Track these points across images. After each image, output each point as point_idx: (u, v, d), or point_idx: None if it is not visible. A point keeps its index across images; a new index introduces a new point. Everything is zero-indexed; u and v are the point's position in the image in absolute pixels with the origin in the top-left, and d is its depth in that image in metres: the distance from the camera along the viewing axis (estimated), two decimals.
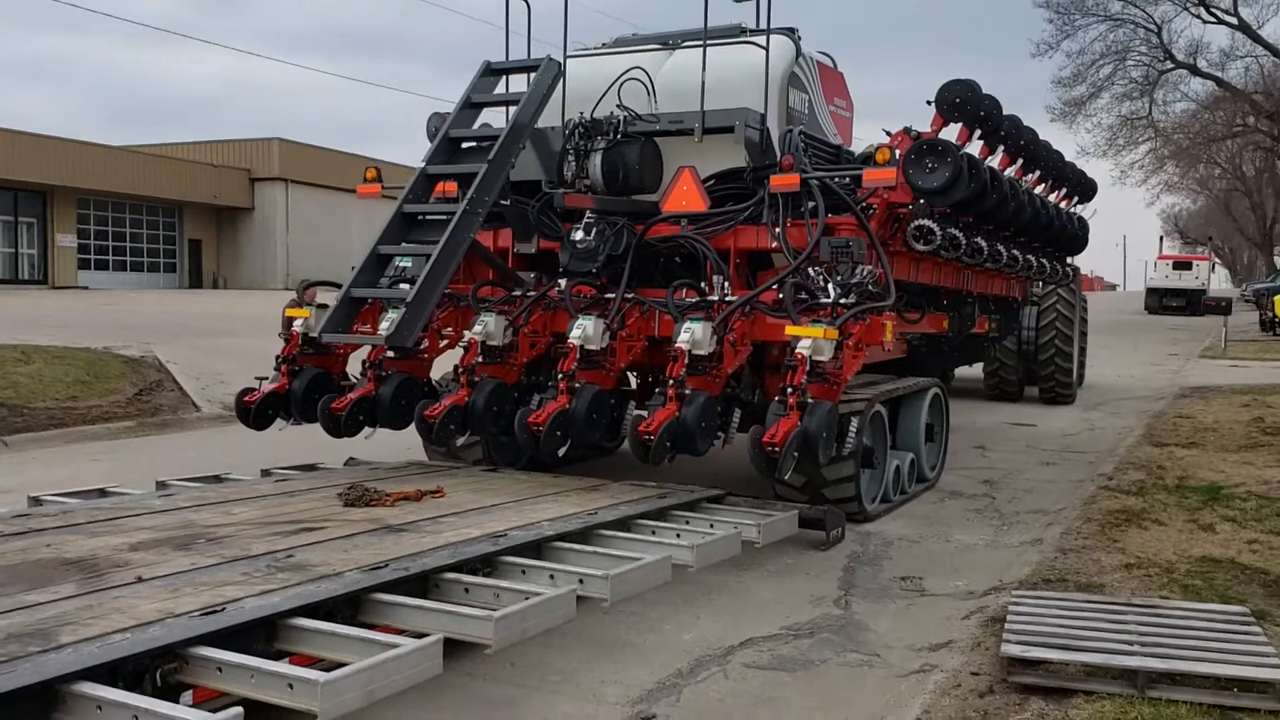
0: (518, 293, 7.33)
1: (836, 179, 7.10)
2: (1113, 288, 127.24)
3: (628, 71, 7.64)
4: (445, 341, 7.43)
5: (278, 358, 7.36)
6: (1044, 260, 10.47)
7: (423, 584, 4.81)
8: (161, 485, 7.12)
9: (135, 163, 44.03)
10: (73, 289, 40.11)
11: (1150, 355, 26.64)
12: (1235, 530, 7.24)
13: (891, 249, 7.63)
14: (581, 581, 5.00)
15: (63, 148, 40.72)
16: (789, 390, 6.04)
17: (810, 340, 6.06)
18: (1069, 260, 12.27)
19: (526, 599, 4.52)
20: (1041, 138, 9.47)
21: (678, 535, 6.14)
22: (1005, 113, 8.41)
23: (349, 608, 4.44)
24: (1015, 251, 9.30)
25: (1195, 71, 38.50)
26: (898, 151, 7.22)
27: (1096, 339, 32.51)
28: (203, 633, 3.78)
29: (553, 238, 7.41)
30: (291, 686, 3.53)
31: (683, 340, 6.31)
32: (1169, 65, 38.56)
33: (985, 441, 12.08)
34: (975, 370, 16.02)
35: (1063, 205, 11.09)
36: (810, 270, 6.66)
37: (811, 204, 6.95)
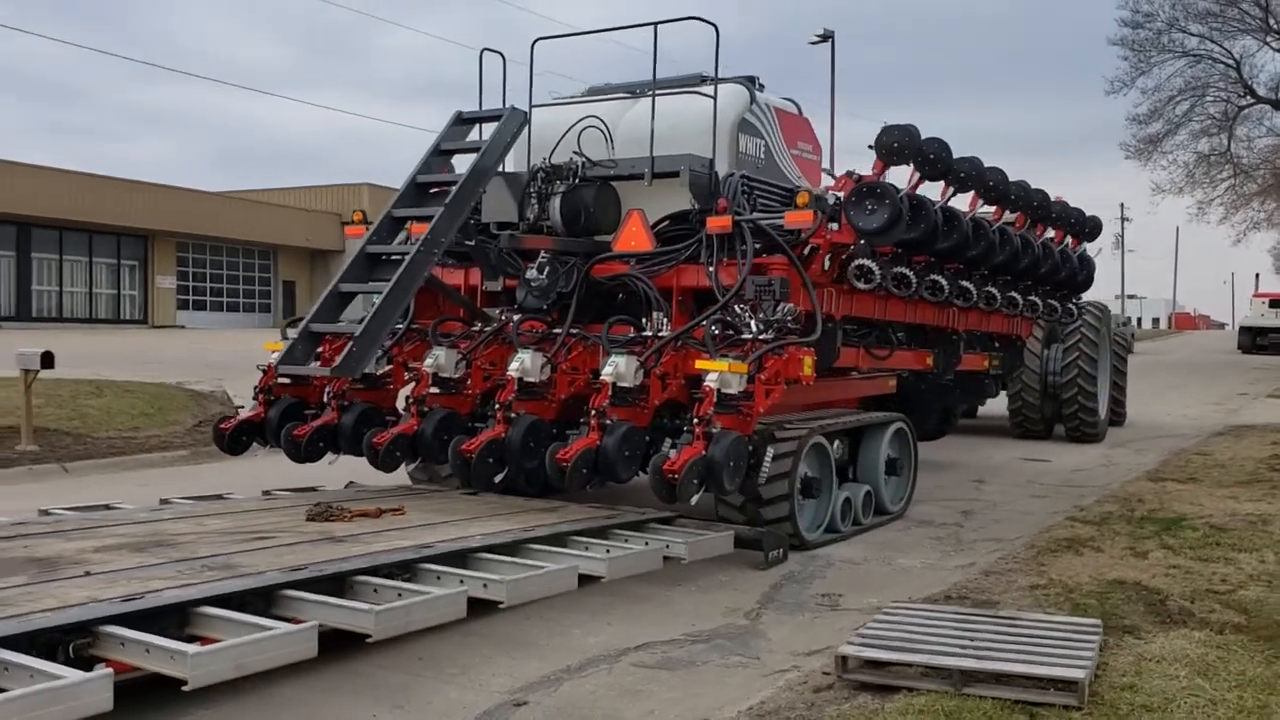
0: (477, 328, 7.97)
1: (769, 221, 7.59)
2: (1221, 326, 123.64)
3: (583, 120, 8.27)
4: (411, 373, 8.08)
5: (255, 388, 8.09)
6: (1035, 298, 10.75)
7: (339, 584, 5.43)
8: (164, 502, 7.89)
9: (233, 208, 46.18)
10: (171, 328, 42.06)
11: (1218, 395, 26.23)
12: (1165, 556, 7.50)
13: (845, 288, 8.10)
14: (485, 586, 5.58)
15: (163, 194, 42.95)
16: (695, 420, 6.54)
17: (717, 374, 6.57)
18: (1078, 298, 12.49)
19: (414, 596, 5.11)
20: (1017, 179, 9.81)
21: (607, 550, 6.66)
22: (972, 157, 8.81)
23: (262, 601, 5.08)
24: (992, 290, 9.64)
25: (1277, 106, 37.80)
26: (842, 194, 7.71)
27: (1169, 378, 32.32)
28: (111, 614, 4.45)
29: (514, 276, 8.03)
30: (172, 658, 4.17)
31: (607, 373, 6.87)
32: (1249, 100, 37.96)
33: (987, 475, 12.34)
34: (1003, 408, 16.21)
35: (1067, 245, 11.36)
36: (737, 307, 7.16)
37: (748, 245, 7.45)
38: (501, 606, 5.61)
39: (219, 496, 8.14)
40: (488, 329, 7.85)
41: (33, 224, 39.64)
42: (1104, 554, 7.65)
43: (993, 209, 10.23)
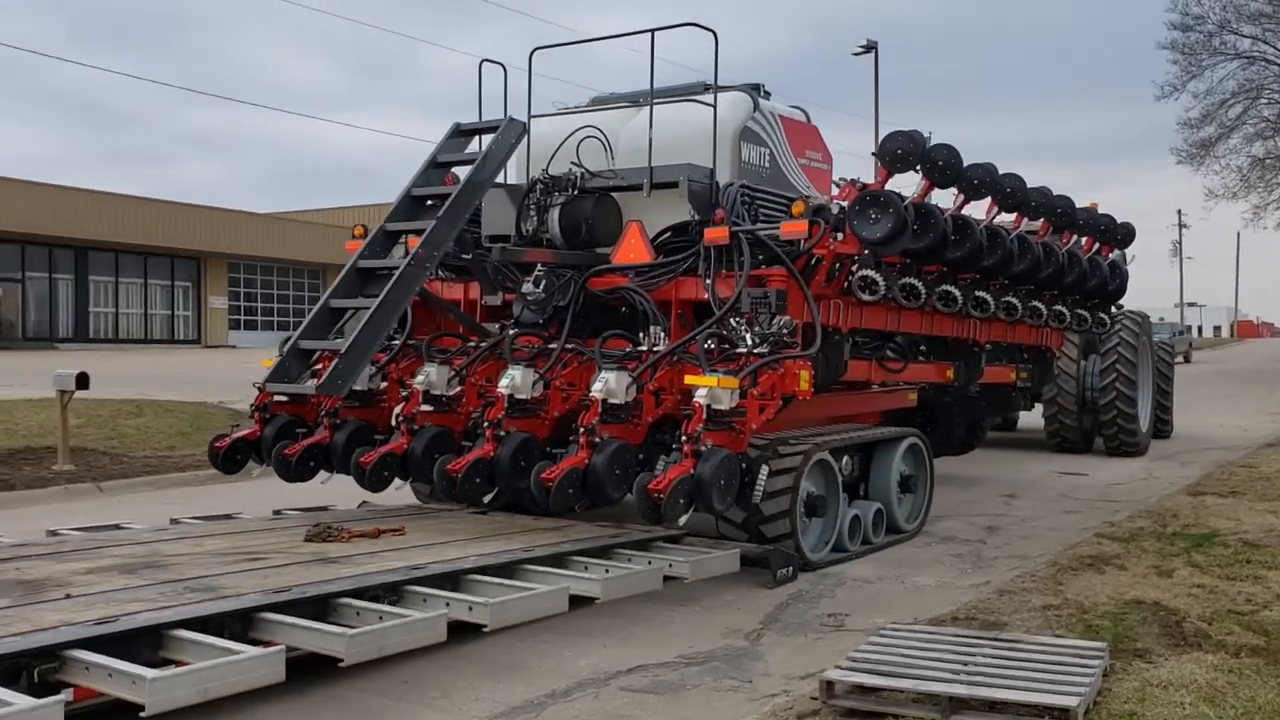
0: (473, 343, 7.89)
1: (768, 232, 7.43)
2: None
3: (581, 130, 8.17)
4: (408, 391, 7.99)
5: (252, 405, 8.08)
6: (1062, 308, 10.48)
7: (323, 607, 5.36)
8: (174, 522, 7.90)
9: (282, 228, 46.82)
10: (223, 348, 42.66)
11: (1276, 406, 25.58)
12: (1191, 575, 7.24)
13: (853, 300, 7.93)
14: (471, 609, 5.48)
15: (215, 216, 43.69)
16: (683, 438, 6.40)
17: (706, 389, 6.42)
18: (1115, 307, 12.18)
19: (389, 620, 5.03)
20: (1040, 185, 9.57)
21: (606, 570, 6.54)
22: (986, 163, 8.61)
23: (240, 624, 5.02)
24: (1013, 300, 9.40)
25: None
26: (845, 203, 7.55)
27: (1226, 387, 31.63)
28: (79, 638, 4.41)
29: (513, 290, 7.94)
30: (133, 683, 4.12)
31: (597, 389, 6.73)
32: None
33: (1019, 490, 12.06)
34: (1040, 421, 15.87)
35: (1097, 253, 11.08)
36: (733, 320, 7.02)
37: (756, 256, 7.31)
38: (486, 630, 5.51)
39: (228, 516, 8.14)
40: (483, 344, 7.76)
41: (90, 247, 40.45)
42: (1127, 572, 7.40)
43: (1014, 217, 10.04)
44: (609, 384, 6.70)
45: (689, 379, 6.63)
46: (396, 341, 8.13)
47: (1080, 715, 4.36)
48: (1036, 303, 9.90)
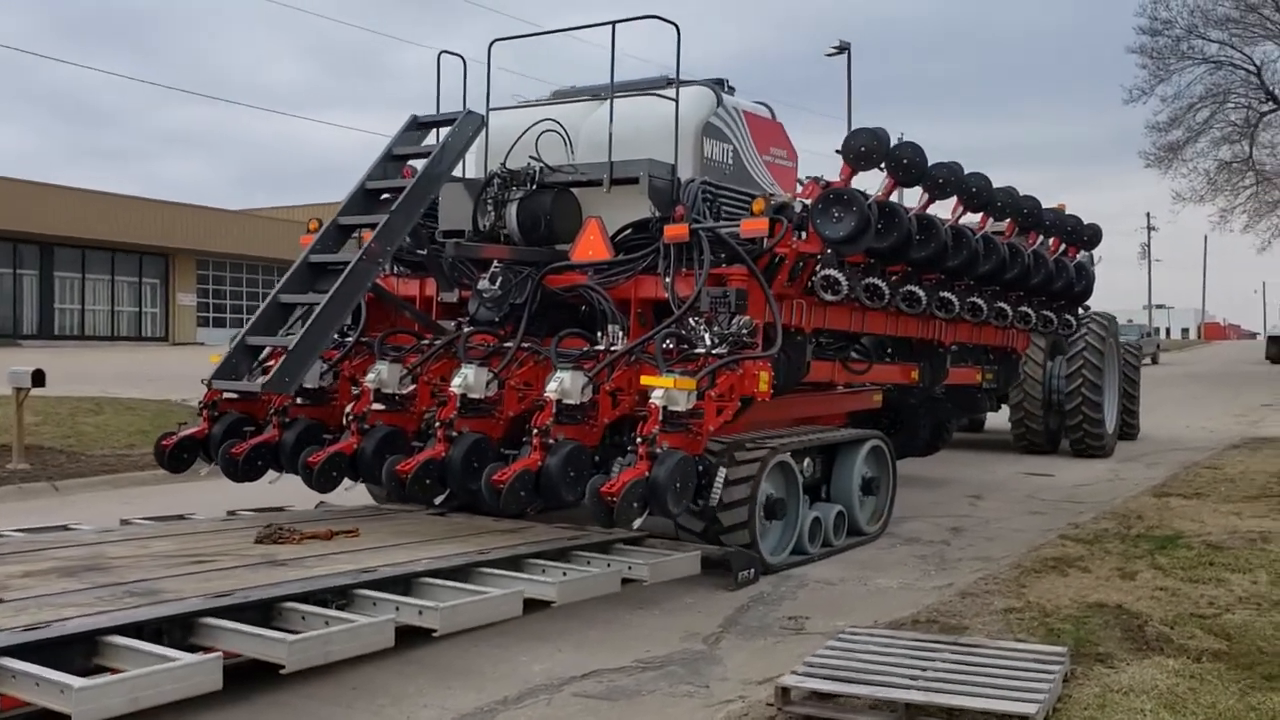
0: (426, 341, 7.74)
1: (729, 230, 7.32)
2: (1253, 336, 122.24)
3: (539, 123, 8.03)
4: (359, 389, 7.82)
5: (200, 403, 7.90)
6: (1028, 309, 10.43)
7: (267, 611, 5.21)
8: (125, 522, 7.72)
9: (253, 225, 46.38)
10: (191, 345, 42.22)
11: (1242, 407, 25.68)
12: (1154, 577, 7.19)
13: (815, 300, 7.83)
14: (420, 613, 5.35)
15: (183, 212, 43.24)
16: (639, 440, 6.27)
17: (663, 390, 6.29)
18: (1079, 309, 12.15)
19: (341, 624, 4.89)
20: (1004, 185, 9.52)
21: (564, 573, 6.42)
22: (951, 162, 8.55)
23: (180, 630, 4.87)
24: (978, 300, 9.33)
25: None
26: (807, 201, 7.45)
27: (1193, 389, 31.81)
28: (7, 645, 4.25)
29: (470, 286, 7.79)
30: (61, 692, 3.96)
31: (551, 389, 6.59)
32: (1271, 106, 37.36)
33: (985, 491, 12.02)
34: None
35: (1064, 254, 11.04)
36: (691, 320, 6.91)
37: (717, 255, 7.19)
38: (436, 635, 5.38)
39: (180, 517, 7.96)
40: (438, 342, 7.60)
41: (56, 243, 39.90)
42: (1090, 574, 7.34)
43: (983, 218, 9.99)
44: (564, 384, 6.56)
45: (645, 379, 6.51)
46: (350, 339, 7.97)
47: None
48: (1002, 304, 9.85)
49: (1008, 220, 9.82)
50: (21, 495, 11.67)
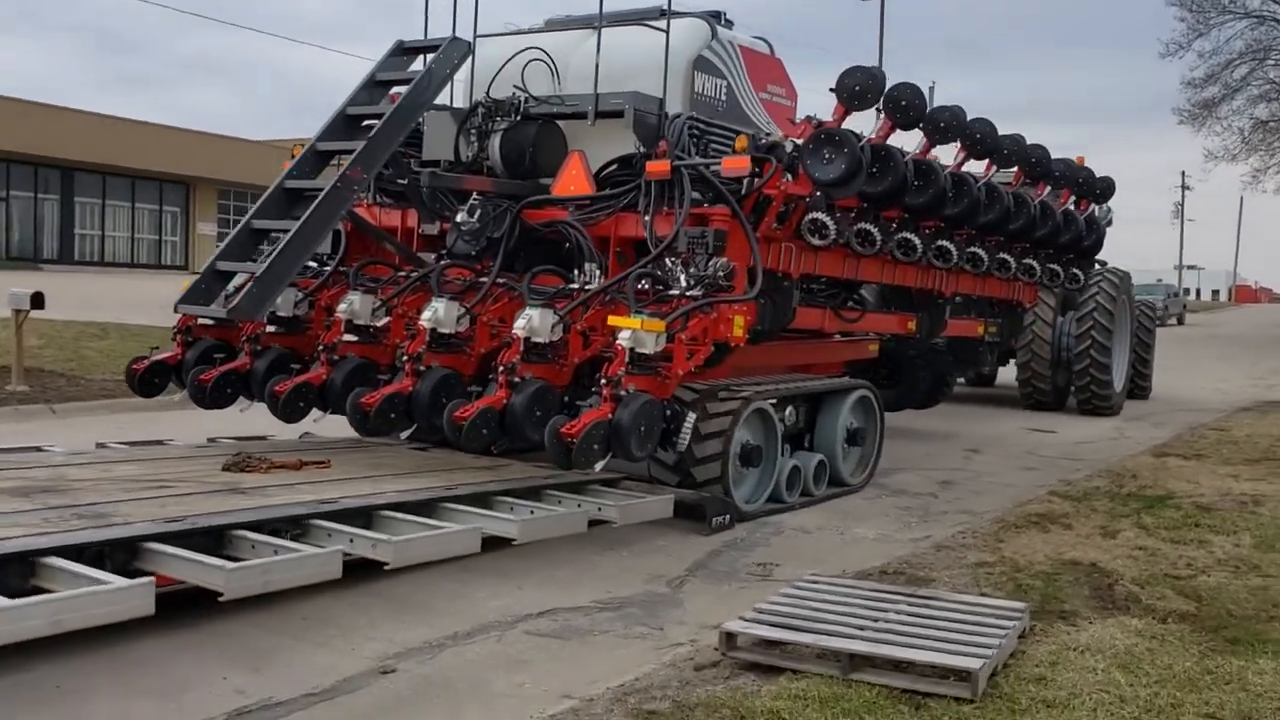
0: (404, 273, 7.61)
1: (712, 168, 7.11)
2: None
3: (524, 52, 7.81)
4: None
5: (174, 329, 7.81)
6: (1032, 262, 10.21)
7: (218, 539, 5.16)
8: (101, 445, 7.68)
9: (273, 156, 46.07)
10: None
11: (1262, 370, 25.33)
12: (1136, 536, 7.07)
13: (804, 244, 7.65)
14: (374, 546, 5.29)
15: (206, 141, 43.09)
16: (603, 381, 6.13)
17: (630, 331, 6.14)
18: (1091, 263, 11.90)
19: (288, 554, 4.83)
20: (1011, 133, 9.26)
21: (531, 511, 6.34)
22: (954, 105, 8.31)
23: (125, 554, 4.82)
24: (978, 251, 9.12)
25: None
26: (799, 141, 7.24)
27: (1215, 350, 31.36)
28: None
29: (451, 219, 7.62)
30: None
31: (519, 326, 6.44)
32: None
33: (984, 445, 11.87)
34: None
35: (1073, 207, 10.78)
36: (668, 261, 6.74)
37: (697, 193, 7.02)
38: (387, 568, 5.32)
39: (159, 442, 7.93)
40: (413, 275, 7.47)
41: (76, 168, 39.87)
42: (1071, 532, 7.22)
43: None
44: (532, 322, 6.42)
45: (612, 320, 6.35)
46: (327, 268, 7.85)
47: (982, 678, 4.18)
48: (1005, 255, 9.63)
49: (1015, 169, 9.57)
50: (18, 417, 11.69)
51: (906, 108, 7.47)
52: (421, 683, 4.54)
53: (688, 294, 6.54)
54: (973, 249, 9.05)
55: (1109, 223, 16.29)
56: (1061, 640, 4.88)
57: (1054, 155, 10.45)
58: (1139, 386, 16.83)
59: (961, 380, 17.14)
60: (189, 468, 6.61)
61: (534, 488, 6.76)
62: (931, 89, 64.58)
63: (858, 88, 7.14)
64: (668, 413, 6.47)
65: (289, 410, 7.06)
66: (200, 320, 7.55)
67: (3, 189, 38.17)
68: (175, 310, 7.10)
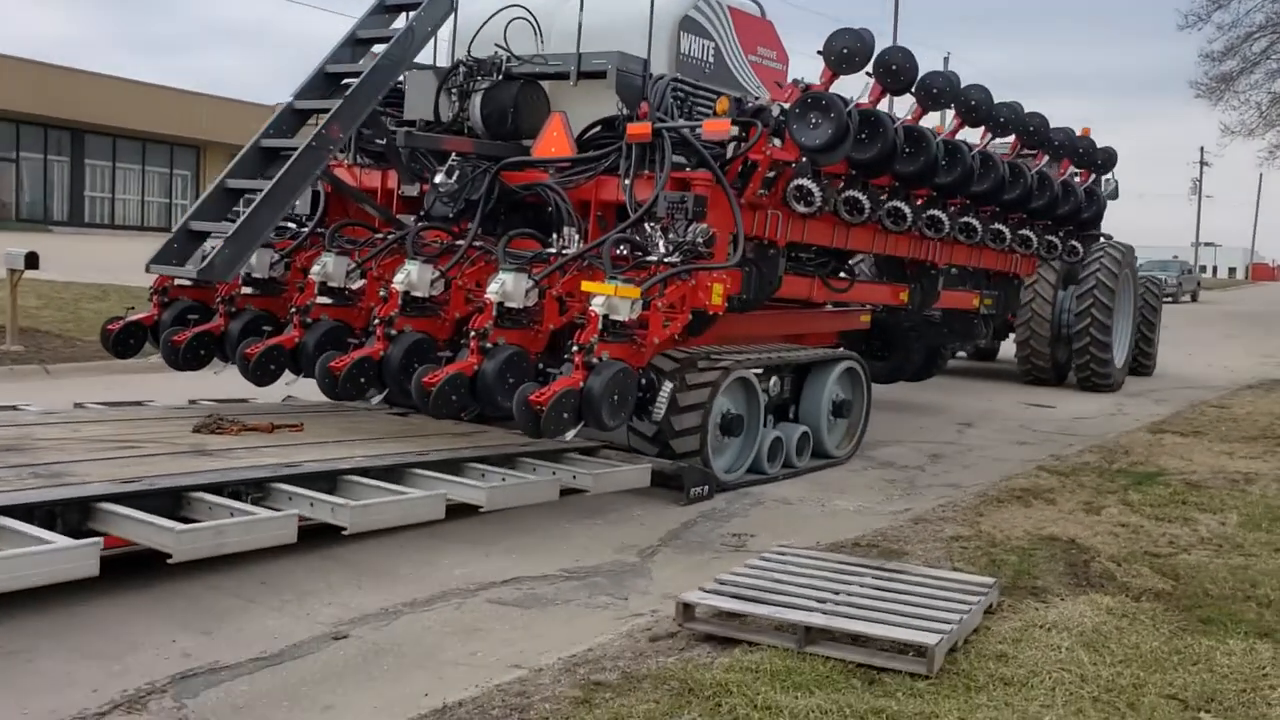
0: (381, 235, 7.50)
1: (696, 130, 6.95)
2: None
3: (505, 9, 7.64)
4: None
5: (150, 289, 7.73)
6: (1029, 234, 10.03)
7: (175, 500, 5.09)
8: (79, 405, 7.63)
9: None
10: None
11: (1272, 348, 25.06)
12: (1120, 513, 6.96)
13: (791, 211, 7.51)
14: (333, 510, 5.22)
15: (217, 105, 42.96)
16: (575, 348, 6.02)
17: (603, 298, 6.01)
18: (1089, 235, 11.71)
19: (244, 517, 4.76)
20: (1008, 101, 9.08)
21: (503, 479, 6.26)
22: (948, 71, 8.15)
23: (79, 514, 4.76)
24: (972, 221, 8.96)
25: None
26: (786, 104, 7.09)
27: (1226, 328, 31.10)
28: None
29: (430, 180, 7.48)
30: None
31: (492, 291, 6.31)
32: None
33: (979, 419, 11.74)
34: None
35: (1073, 178, 10.59)
36: (648, 226, 6.61)
37: (678, 156, 6.88)
38: (345, 533, 5.25)
39: (138, 403, 7.88)
40: (390, 237, 7.36)
41: (87, 130, 39.81)
42: (1055, 507, 7.12)
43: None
44: (505, 286, 6.30)
45: (586, 285, 6.22)
46: (304, 228, 7.75)
47: (939, 654, 4.09)
48: (1000, 226, 9.46)
49: (1012, 139, 9.39)
50: (12, 376, 11.66)
51: (897, 72, 7.30)
52: (372, 649, 4.47)
53: (666, 260, 6.41)
54: (966, 219, 8.89)
55: (1114, 195, 16.11)
56: (1029, 617, 4.79)
57: (1073, 129, 10.30)
58: (1143, 362, 16.66)
59: (962, 354, 17.04)
60: (159, 429, 6.55)
61: (508, 455, 6.68)
62: (946, 60, 63.99)
63: (845, 50, 6.97)
64: (643, 381, 6.36)
65: (259, 373, 6.97)
66: (177, 281, 7.46)
67: (13, 151, 38.13)
68: (146, 270, 7.01)
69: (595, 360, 5.96)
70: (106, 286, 18.01)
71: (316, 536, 5.54)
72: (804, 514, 7.11)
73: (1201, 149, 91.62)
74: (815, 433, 8.19)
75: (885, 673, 4.07)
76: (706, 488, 7.13)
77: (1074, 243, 10.96)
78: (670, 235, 6.46)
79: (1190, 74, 48.37)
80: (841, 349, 8.96)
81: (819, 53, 7.04)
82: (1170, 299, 48.98)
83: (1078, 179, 10.65)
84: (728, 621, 4.50)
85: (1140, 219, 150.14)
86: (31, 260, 12.91)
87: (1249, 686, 4.11)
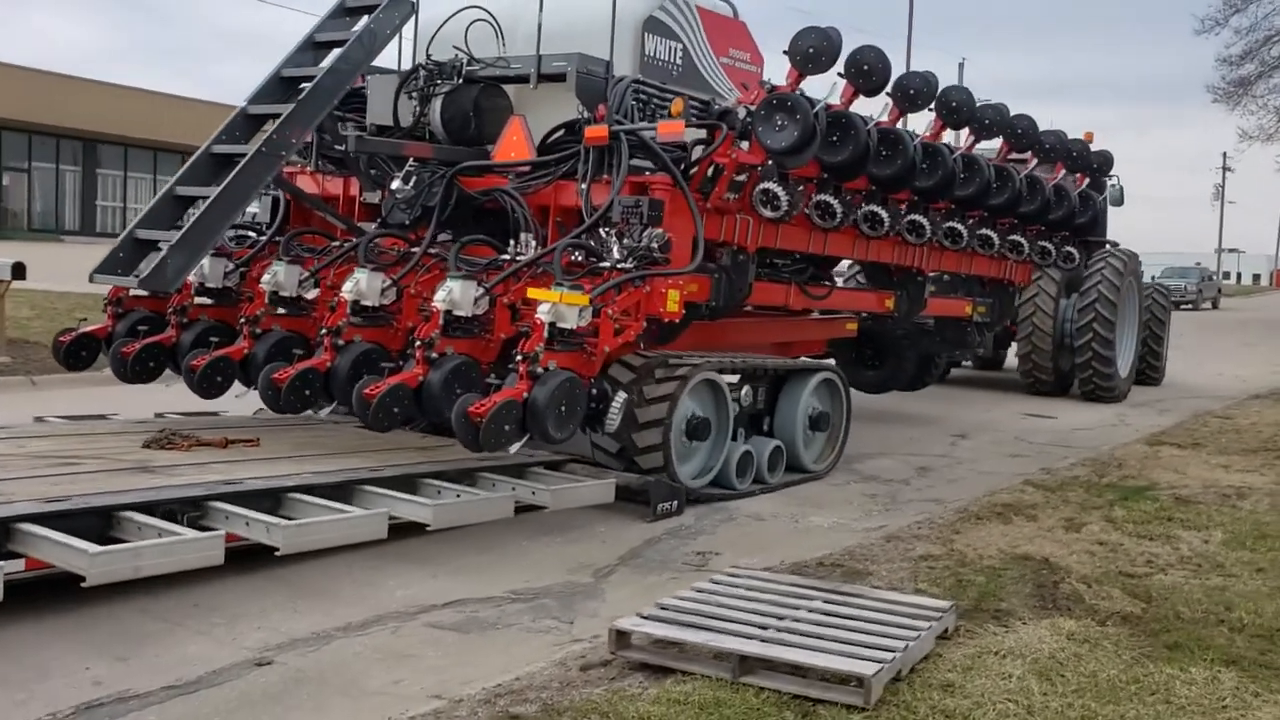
0: (338, 243, 7.33)
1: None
2: None
3: (464, 11, 7.46)
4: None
5: (105, 299, 7.58)
6: (1020, 239, 9.81)
7: (105, 520, 4.93)
8: (39, 419, 7.50)
9: None
10: None
11: None
12: (1102, 530, 6.72)
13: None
14: (268, 530, 5.04)
15: (227, 114, 42.91)
16: (519, 358, 5.83)
17: (549, 305, 5.81)
18: (1089, 241, 11.46)
19: (160, 539, 4.59)
20: (993, 102, 8.86)
21: (457, 495, 6.07)
22: (925, 72, 7.94)
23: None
24: (957, 226, 8.75)
25: None
26: (751, 107, 6.90)
27: (1243, 336, 30.62)
28: None
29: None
30: None
31: (439, 299, 6.12)
32: None
33: (973, 431, 11.49)
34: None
35: (1067, 182, 10.36)
36: (602, 232, 6.42)
37: (640, 159, 6.68)
38: (277, 554, 5.07)
39: (101, 417, 7.74)
40: (345, 245, 7.18)
41: (98, 140, 39.95)
42: (1035, 524, 6.88)
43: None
44: (453, 294, 6.10)
45: (531, 292, 6.03)
46: (263, 237, 7.59)
47: (877, 685, 3.87)
48: (988, 231, 9.23)
49: (1000, 140, 9.18)
50: None
51: (869, 72, 7.08)
52: (294, 677, 4.29)
53: (619, 266, 6.21)
54: (951, 224, 8.68)
55: (1119, 201, 15.83)
56: (985, 643, 4.57)
57: (1096, 136, 10.10)
58: (1151, 372, 16.34)
59: (968, 363, 16.76)
60: (109, 444, 6.40)
61: (468, 470, 6.49)
62: (961, 66, 63.58)
63: (811, 49, 6.76)
64: (593, 392, 6.16)
65: (205, 385, 6.80)
66: (133, 291, 7.30)
67: (25, 160, 38.30)
68: (90, 280, 6.86)
69: (540, 370, 5.75)
70: (101, 298, 17.90)
71: (263, 557, 5.36)
72: (775, 531, 6.90)
73: (1224, 154, 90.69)
74: (790, 446, 7.93)
75: (822, 704, 3.86)
76: (675, 503, 6.93)
77: (1069, 249, 10.72)
78: (625, 240, 6.26)
79: (1208, 78, 47.79)
80: (810, 358, 8.72)
81: (784, 52, 6.83)
82: (1190, 306, 48.49)
83: (1075, 181, 10.42)
84: (665, 649, 4.30)
85: (1165, 226, 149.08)
86: (18, 271, 12.82)
87: (1206, 719, 3.89)
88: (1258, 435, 11.12)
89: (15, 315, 14.63)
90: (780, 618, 4.47)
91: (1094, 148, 11.36)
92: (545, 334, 5.75)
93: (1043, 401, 14.18)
